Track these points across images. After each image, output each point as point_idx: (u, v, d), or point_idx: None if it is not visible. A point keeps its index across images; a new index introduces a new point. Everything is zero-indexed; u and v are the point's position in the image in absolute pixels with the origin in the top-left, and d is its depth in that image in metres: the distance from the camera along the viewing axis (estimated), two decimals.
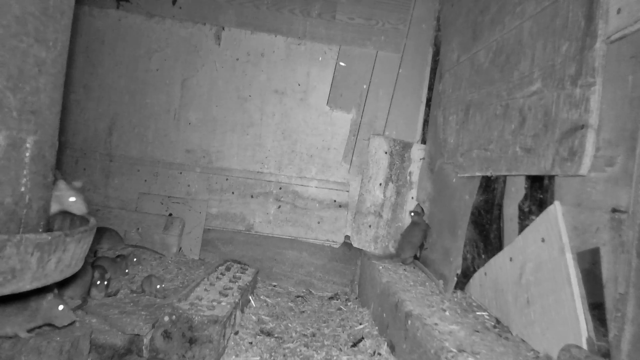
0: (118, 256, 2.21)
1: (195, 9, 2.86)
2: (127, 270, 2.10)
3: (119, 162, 2.85)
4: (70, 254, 1.14)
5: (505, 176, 1.73)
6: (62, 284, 1.68)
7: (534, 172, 1.46)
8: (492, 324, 1.57)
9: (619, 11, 1.15)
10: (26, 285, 1.03)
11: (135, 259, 2.12)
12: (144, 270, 2.24)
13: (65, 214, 1.39)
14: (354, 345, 1.85)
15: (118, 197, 2.83)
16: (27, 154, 1.15)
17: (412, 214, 2.60)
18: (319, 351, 1.80)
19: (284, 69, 2.89)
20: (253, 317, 2.10)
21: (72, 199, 1.36)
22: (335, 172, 2.90)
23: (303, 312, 2.33)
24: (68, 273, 1.18)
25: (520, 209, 1.59)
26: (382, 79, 2.88)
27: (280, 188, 2.87)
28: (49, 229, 1.29)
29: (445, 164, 2.32)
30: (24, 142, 1.13)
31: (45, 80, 1.17)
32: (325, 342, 1.90)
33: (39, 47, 1.13)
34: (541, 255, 1.38)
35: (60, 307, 1.28)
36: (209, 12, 2.86)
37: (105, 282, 1.76)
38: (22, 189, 1.14)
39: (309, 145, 2.90)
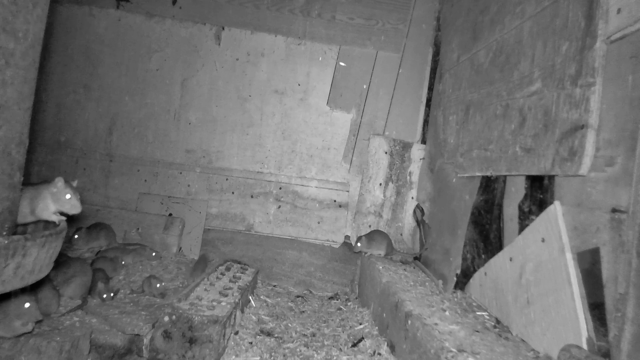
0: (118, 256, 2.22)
1: (195, 9, 2.86)
2: (122, 262, 2.11)
3: (119, 162, 2.85)
4: (32, 259, 1.07)
5: (505, 176, 1.73)
6: (62, 285, 1.68)
7: (534, 172, 1.46)
8: (492, 324, 1.57)
9: (619, 11, 1.15)
10: None
11: (123, 262, 2.13)
12: (144, 271, 2.24)
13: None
14: (354, 345, 1.85)
15: (118, 197, 2.83)
16: None
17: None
18: (319, 351, 1.80)
19: (284, 69, 2.89)
20: (253, 317, 2.10)
21: (68, 196, 1.33)
22: (335, 172, 2.90)
23: (303, 312, 2.33)
24: (31, 280, 1.11)
25: (520, 209, 1.59)
26: (382, 79, 2.88)
27: (280, 188, 2.87)
28: (15, 232, 1.21)
29: (445, 164, 2.32)
30: None
31: (12, 73, 1.09)
32: (325, 342, 1.90)
33: (6, 38, 1.06)
34: (541, 255, 1.38)
35: (27, 305, 1.26)
36: (209, 12, 2.86)
37: (112, 294, 1.76)
38: None
39: (309, 145, 2.90)
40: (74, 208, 1.35)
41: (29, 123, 1.20)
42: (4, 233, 1.14)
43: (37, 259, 1.10)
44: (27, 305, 1.26)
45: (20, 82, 1.12)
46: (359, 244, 2.50)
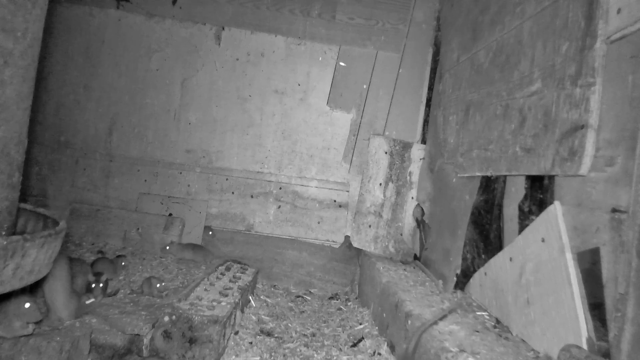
0: (118, 256, 2.22)
1: (195, 9, 2.86)
2: (122, 263, 2.11)
3: (119, 162, 2.85)
4: (31, 260, 1.07)
5: (505, 176, 1.73)
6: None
7: (534, 172, 1.46)
8: (492, 324, 1.57)
9: (619, 11, 1.15)
10: None
11: (123, 263, 2.13)
12: (144, 271, 2.24)
13: (37, 215, 1.34)
14: (354, 345, 1.85)
15: (118, 197, 2.83)
16: None
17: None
18: (319, 351, 1.80)
19: (284, 69, 2.89)
20: (253, 317, 2.10)
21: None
22: (335, 172, 2.90)
23: (303, 312, 2.33)
24: (30, 280, 1.11)
25: (520, 209, 1.58)
26: (382, 79, 2.88)
27: (280, 188, 2.87)
28: (14, 232, 1.21)
29: (445, 164, 2.32)
30: None
31: (11, 73, 1.09)
32: (325, 342, 1.90)
33: (5, 37, 1.06)
34: (541, 255, 1.38)
35: (27, 305, 1.25)
36: (209, 12, 2.86)
37: (99, 284, 1.73)
38: None
39: (309, 145, 2.90)
40: None
41: (27, 123, 1.19)
42: (3, 233, 1.14)
43: (36, 259, 1.09)
44: (27, 305, 1.26)
45: (19, 81, 1.12)
46: None
